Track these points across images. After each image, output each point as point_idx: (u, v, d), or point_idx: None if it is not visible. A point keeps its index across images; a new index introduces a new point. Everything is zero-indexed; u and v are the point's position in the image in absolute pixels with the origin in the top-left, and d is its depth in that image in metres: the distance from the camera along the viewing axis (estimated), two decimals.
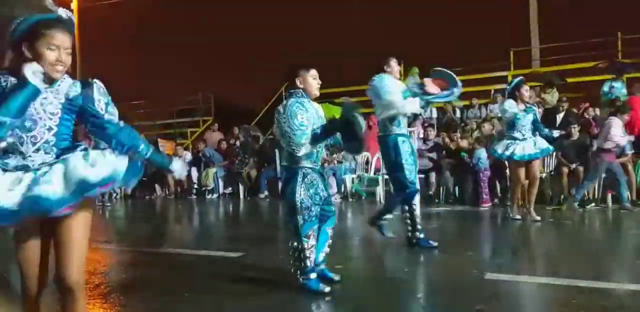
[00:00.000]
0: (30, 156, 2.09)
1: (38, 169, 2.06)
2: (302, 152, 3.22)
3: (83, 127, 2.30)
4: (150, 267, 4.67)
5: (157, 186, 11.96)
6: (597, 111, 9.17)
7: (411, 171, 4.69)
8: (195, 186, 11.44)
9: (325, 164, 9.50)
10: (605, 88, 9.86)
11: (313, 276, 3.37)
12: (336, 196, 9.20)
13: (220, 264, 4.45)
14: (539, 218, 6.22)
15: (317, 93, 3.44)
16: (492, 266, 4.18)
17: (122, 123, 2.27)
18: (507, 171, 7.33)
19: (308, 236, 3.34)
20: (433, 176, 8.78)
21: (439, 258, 4.70)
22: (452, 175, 8.64)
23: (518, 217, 6.34)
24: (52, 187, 1.98)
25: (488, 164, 8.12)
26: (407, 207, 4.82)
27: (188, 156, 11.87)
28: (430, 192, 8.79)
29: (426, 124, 10.14)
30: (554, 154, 8.10)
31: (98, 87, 2.25)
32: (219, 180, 11.21)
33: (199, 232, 7.06)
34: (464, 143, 8.88)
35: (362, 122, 3.25)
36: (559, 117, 9.10)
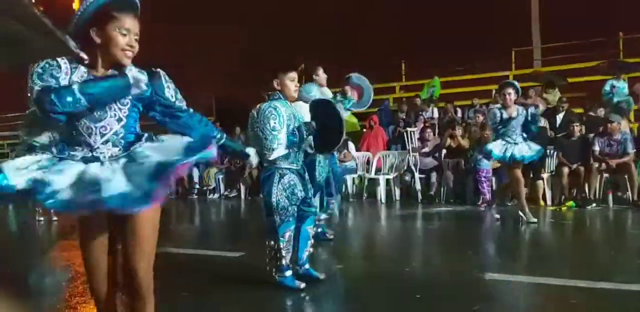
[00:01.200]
0: (98, 148, 1.99)
1: (106, 163, 1.96)
2: (272, 156, 3.28)
3: None
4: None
5: None
6: (602, 112, 9.14)
7: (320, 172, 4.94)
8: (197, 186, 11.45)
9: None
10: (607, 87, 9.84)
11: (288, 273, 3.44)
12: (336, 196, 9.19)
13: (220, 264, 4.46)
14: (534, 219, 6.13)
15: (294, 95, 3.47)
16: (492, 265, 4.19)
17: (191, 110, 2.20)
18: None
19: (284, 235, 3.40)
20: (434, 176, 8.78)
21: (439, 258, 4.70)
22: (453, 175, 8.63)
23: (534, 220, 6.12)
24: (121, 185, 1.85)
25: (489, 164, 8.11)
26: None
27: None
28: (432, 192, 8.79)
29: (427, 124, 10.14)
30: (555, 154, 8.10)
31: (164, 74, 2.17)
32: (220, 180, 11.22)
33: (200, 232, 7.07)
34: (465, 142, 8.87)
35: (343, 117, 3.31)
36: (559, 117, 9.09)
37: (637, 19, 13.79)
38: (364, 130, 10.78)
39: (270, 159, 3.30)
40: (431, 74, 13.40)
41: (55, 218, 7.58)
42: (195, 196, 11.28)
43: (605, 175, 7.69)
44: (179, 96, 2.17)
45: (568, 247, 5.22)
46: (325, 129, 3.43)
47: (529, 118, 5.95)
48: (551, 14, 15.59)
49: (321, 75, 5.40)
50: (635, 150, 7.59)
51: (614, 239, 5.70)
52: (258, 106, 3.35)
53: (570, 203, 7.53)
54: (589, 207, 7.37)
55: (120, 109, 2.03)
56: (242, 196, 10.76)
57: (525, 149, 5.95)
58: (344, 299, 3.49)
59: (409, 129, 9.86)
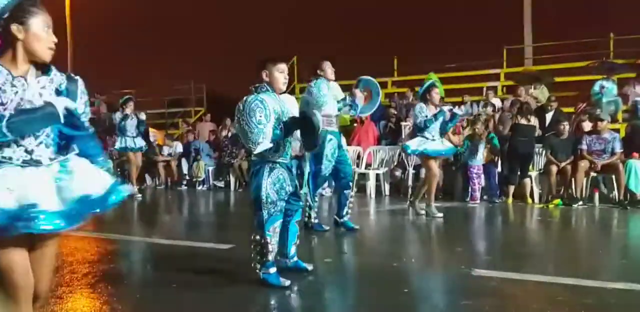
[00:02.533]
0: (34, 151, 1.92)
1: (51, 166, 1.93)
2: (257, 149, 3.21)
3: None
4: (138, 257, 4.67)
5: (147, 176, 11.91)
6: (595, 112, 9.20)
7: (327, 166, 5.25)
8: (186, 177, 11.41)
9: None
10: (596, 88, 9.88)
11: (273, 270, 3.38)
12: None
13: (209, 256, 4.45)
14: (440, 214, 6.32)
15: (282, 88, 3.43)
16: (480, 262, 4.22)
17: (91, 130, 2.12)
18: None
19: (271, 230, 3.35)
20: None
21: (427, 253, 4.74)
22: (442, 171, 8.66)
23: (423, 212, 6.49)
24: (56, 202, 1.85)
25: (479, 161, 8.16)
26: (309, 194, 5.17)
27: (179, 146, 11.82)
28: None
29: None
30: (543, 152, 8.16)
31: (81, 83, 2.08)
32: (209, 172, 11.19)
33: (189, 224, 7.05)
34: (454, 139, 8.90)
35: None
36: (549, 116, 9.15)
37: (628, 21, 13.90)
38: (355, 125, 10.79)
39: (255, 152, 3.25)
40: (423, 70, 13.40)
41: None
42: (185, 187, 11.24)
43: (593, 174, 7.76)
44: (87, 110, 2.10)
45: (554, 245, 5.28)
46: (306, 129, 3.37)
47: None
48: (543, 13, 15.68)
49: (327, 69, 5.37)
50: (622, 150, 7.67)
51: (599, 237, 5.78)
52: (244, 98, 3.29)
53: (557, 201, 7.61)
54: (576, 205, 7.45)
55: None
56: (232, 188, 10.74)
57: (440, 145, 6.28)
58: (332, 293, 3.50)
59: (403, 123, 9.89)
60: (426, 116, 6.11)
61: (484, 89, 12.27)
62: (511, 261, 4.31)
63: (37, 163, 1.92)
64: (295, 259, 3.68)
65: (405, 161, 9.06)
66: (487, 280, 3.59)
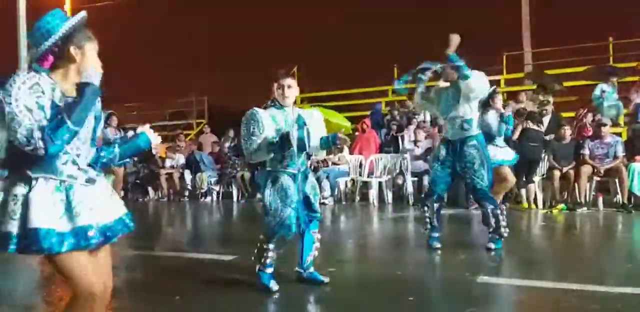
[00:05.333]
0: (88, 171, 2.03)
1: (101, 184, 2.08)
2: (253, 160, 3.45)
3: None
4: (142, 270, 4.65)
5: (149, 189, 11.91)
6: (596, 117, 9.21)
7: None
8: (189, 188, 11.41)
9: (318, 166, 9.51)
10: (597, 92, 9.90)
11: (269, 270, 3.51)
12: (329, 199, 9.19)
13: (213, 267, 4.44)
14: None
15: (285, 100, 3.50)
16: (484, 269, 4.19)
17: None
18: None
19: (276, 240, 3.48)
20: (426, 179, 8.79)
21: (431, 261, 4.71)
22: None
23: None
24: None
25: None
26: None
27: (181, 159, 11.83)
28: (423, 195, 8.79)
29: (419, 127, 10.16)
30: (546, 157, 8.15)
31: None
32: (212, 183, 11.18)
33: (192, 235, 7.03)
34: None
35: (301, 134, 3.27)
36: (545, 120, 9.12)
37: (627, 25, 13.94)
38: (356, 133, 10.79)
39: (251, 162, 3.44)
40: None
41: None
42: (187, 199, 11.24)
43: (596, 178, 7.73)
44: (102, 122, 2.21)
45: (559, 251, 5.25)
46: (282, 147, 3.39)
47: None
48: (542, 19, 15.74)
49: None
50: (624, 154, 7.65)
51: (604, 242, 5.74)
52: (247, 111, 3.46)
53: (561, 206, 7.58)
54: (580, 210, 7.41)
55: (92, 131, 2.08)
56: (235, 199, 10.73)
57: (510, 153, 6.18)
58: (335, 302, 3.48)
59: (406, 131, 9.91)
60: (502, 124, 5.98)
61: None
62: (516, 268, 4.29)
63: (93, 181, 2.03)
64: (312, 270, 3.68)
65: (404, 170, 9.04)
66: (492, 287, 3.56)
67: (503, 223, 4.74)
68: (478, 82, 4.59)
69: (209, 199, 11.07)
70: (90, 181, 2.01)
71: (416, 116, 11.18)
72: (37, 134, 1.80)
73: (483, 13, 17.10)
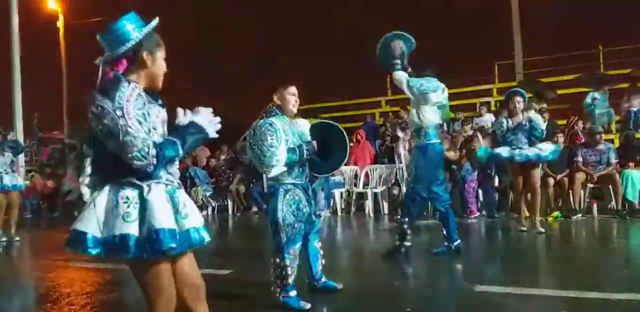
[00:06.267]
0: (173, 175, 2.07)
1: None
2: (272, 173, 3.25)
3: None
4: (137, 286, 4.61)
5: None
6: (587, 124, 9.26)
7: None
8: None
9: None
10: (588, 100, 9.99)
11: (293, 293, 3.37)
12: (325, 211, 9.17)
13: (209, 282, 4.38)
14: (543, 230, 6.19)
15: (293, 110, 3.45)
16: (482, 277, 4.19)
17: None
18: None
19: (290, 253, 3.33)
20: None
21: (428, 270, 4.70)
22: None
23: (524, 228, 6.33)
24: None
25: (475, 175, 8.17)
26: None
27: (176, 173, 11.79)
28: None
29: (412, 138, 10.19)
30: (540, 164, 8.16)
31: None
32: (207, 197, 11.14)
33: None
34: (451, 155, 8.92)
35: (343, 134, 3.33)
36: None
37: (616, 32, 14.11)
38: (351, 144, 10.81)
39: (270, 175, 3.28)
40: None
41: (17, 238, 7.47)
42: None
43: (590, 185, 7.76)
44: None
45: (556, 258, 5.25)
46: (328, 150, 3.43)
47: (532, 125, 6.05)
48: (532, 28, 15.90)
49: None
50: (617, 160, 7.69)
51: (600, 249, 5.75)
52: (255, 123, 3.33)
53: (556, 214, 7.59)
54: (574, 217, 7.43)
55: None
56: (230, 212, 10.69)
57: (535, 151, 6.06)
58: None
59: (400, 139, 9.93)
60: (504, 129, 6.03)
61: (477, 105, 12.34)
62: (513, 276, 4.28)
63: (181, 185, 2.09)
64: (324, 279, 3.68)
65: (400, 180, 9.05)
66: (490, 296, 3.56)
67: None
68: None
69: (204, 213, 11.03)
70: (180, 184, 2.07)
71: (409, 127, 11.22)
72: (153, 152, 1.83)
73: (475, 24, 17.26)
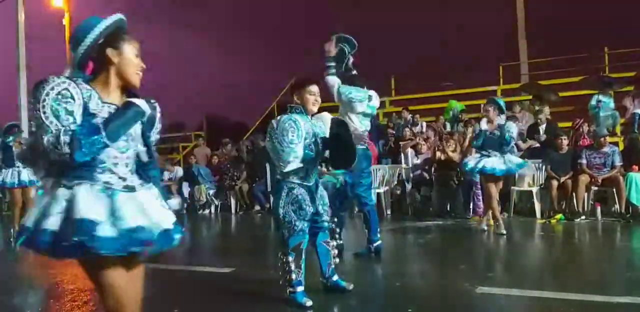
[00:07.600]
0: (127, 178, 1.95)
1: (147, 190, 1.99)
2: (287, 168, 3.31)
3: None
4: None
5: None
6: (592, 127, 9.24)
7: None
8: (187, 201, 11.38)
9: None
10: (593, 102, 9.95)
11: (299, 289, 3.41)
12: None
13: (212, 280, 4.42)
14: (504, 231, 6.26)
15: (313, 109, 3.49)
16: (484, 279, 4.18)
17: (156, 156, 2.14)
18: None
19: (294, 249, 3.40)
20: (424, 190, 8.80)
21: (430, 272, 4.70)
22: (443, 188, 8.65)
23: (485, 227, 6.54)
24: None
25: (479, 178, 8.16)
26: None
27: (180, 171, 11.82)
28: (421, 206, 8.79)
29: (418, 138, 10.18)
30: (543, 167, 8.16)
31: (159, 110, 2.15)
32: (210, 195, 11.16)
33: (191, 248, 6.99)
34: (455, 156, 8.92)
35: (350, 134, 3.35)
36: (542, 129, 9.14)
37: (622, 34, 14.07)
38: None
39: (285, 171, 3.33)
40: (421, 89, 13.53)
41: None
42: (186, 212, 11.21)
43: (594, 188, 7.74)
44: (157, 136, 2.16)
45: (558, 261, 5.24)
46: (341, 145, 3.44)
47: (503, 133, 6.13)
48: (537, 29, 15.88)
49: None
50: (622, 163, 7.66)
51: (603, 251, 5.73)
52: (278, 117, 3.40)
53: (559, 216, 7.57)
54: (578, 220, 7.41)
55: (138, 139, 2.03)
56: (233, 210, 10.70)
57: (499, 162, 6.13)
58: None
59: (401, 143, 9.93)
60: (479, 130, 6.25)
61: (481, 106, 12.31)
62: (515, 278, 4.28)
63: (133, 189, 1.95)
64: (335, 278, 3.70)
65: (405, 181, 9.06)
66: (492, 297, 3.56)
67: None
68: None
69: (207, 211, 11.05)
70: (129, 188, 1.93)
71: (413, 127, 11.22)
72: (64, 139, 1.76)
73: (479, 25, 17.26)
